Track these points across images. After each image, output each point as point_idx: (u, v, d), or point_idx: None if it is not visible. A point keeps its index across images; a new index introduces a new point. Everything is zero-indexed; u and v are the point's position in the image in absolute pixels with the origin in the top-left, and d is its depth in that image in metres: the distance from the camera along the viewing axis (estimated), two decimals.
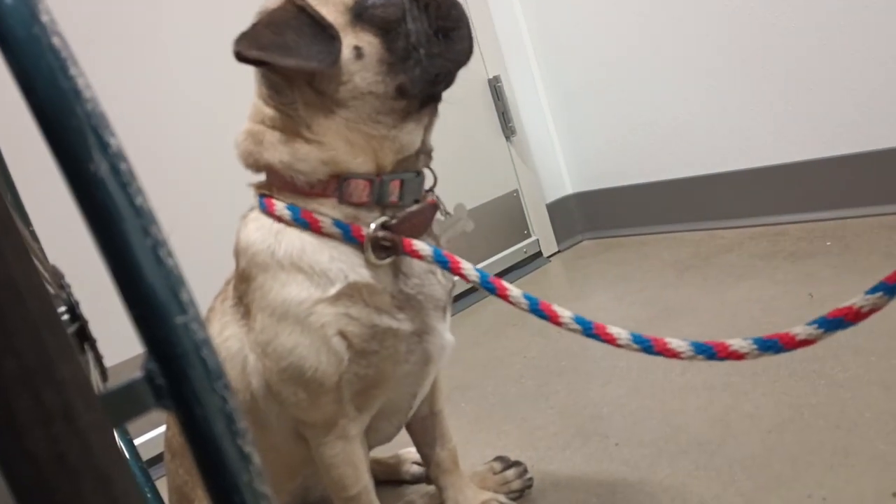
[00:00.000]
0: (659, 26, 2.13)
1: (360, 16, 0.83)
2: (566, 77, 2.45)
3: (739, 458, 1.03)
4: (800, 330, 0.65)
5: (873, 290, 0.61)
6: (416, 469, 1.27)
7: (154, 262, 0.33)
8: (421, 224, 0.90)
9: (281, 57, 0.80)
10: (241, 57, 0.79)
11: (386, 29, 0.83)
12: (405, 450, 1.28)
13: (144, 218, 0.33)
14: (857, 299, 0.62)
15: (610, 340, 0.77)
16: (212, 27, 1.80)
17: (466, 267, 0.83)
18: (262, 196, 0.89)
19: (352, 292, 0.84)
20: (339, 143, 0.84)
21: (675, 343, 0.72)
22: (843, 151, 1.85)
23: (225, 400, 0.35)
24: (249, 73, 0.89)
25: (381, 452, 1.23)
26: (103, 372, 0.62)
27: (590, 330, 0.78)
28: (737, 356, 0.70)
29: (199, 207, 1.76)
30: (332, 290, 0.83)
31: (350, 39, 0.82)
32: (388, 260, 0.86)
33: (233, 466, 0.35)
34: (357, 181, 0.85)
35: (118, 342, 1.05)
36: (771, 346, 0.68)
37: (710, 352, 0.71)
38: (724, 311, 1.55)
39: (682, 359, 0.72)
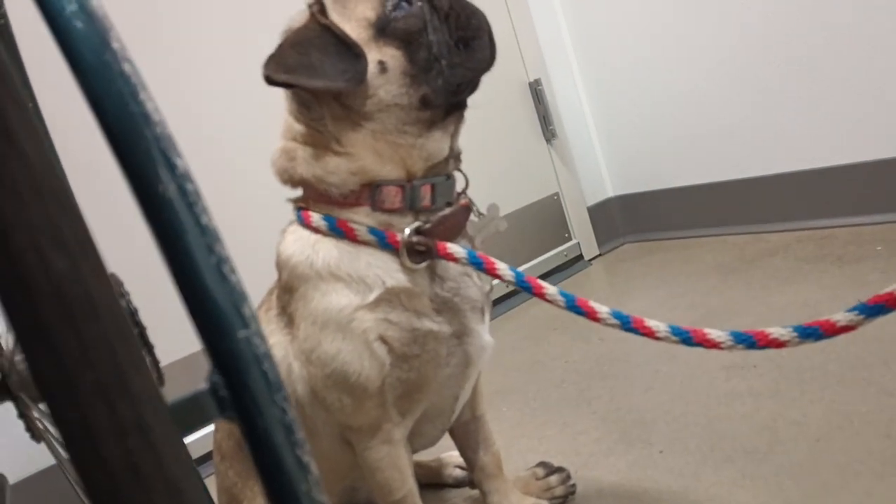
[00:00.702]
0: (701, 28, 2.11)
1: (383, 30, 0.85)
2: (607, 79, 2.43)
3: (787, 466, 1.01)
4: (840, 317, 0.65)
5: None
6: (458, 473, 1.27)
7: (218, 279, 0.34)
8: (454, 226, 0.91)
9: (308, 79, 0.82)
10: (270, 81, 0.82)
11: (408, 41, 0.85)
12: (448, 453, 1.29)
13: (209, 236, 0.34)
14: None
15: (648, 334, 0.78)
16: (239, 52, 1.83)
17: (501, 267, 0.84)
18: (299, 209, 0.92)
19: (390, 297, 0.86)
20: (367, 154, 0.86)
21: (715, 334, 0.72)
22: (893, 154, 1.81)
23: (284, 411, 0.36)
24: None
25: (423, 456, 1.24)
26: (160, 377, 0.64)
27: (628, 324, 0.78)
28: (777, 344, 0.69)
29: (237, 221, 1.80)
30: (371, 296, 0.85)
31: (374, 55, 0.84)
32: (424, 264, 0.87)
33: (292, 475, 0.36)
34: (389, 188, 0.87)
35: (168, 343, 1.08)
36: (811, 333, 0.67)
37: (750, 340, 0.70)
38: (770, 316, 1.53)
39: (721, 349, 0.72)
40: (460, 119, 0.93)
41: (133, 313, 0.66)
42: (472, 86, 0.90)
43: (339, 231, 0.87)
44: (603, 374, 1.52)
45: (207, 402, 0.35)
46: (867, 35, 1.77)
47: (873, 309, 0.62)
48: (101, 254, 0.31)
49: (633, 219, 2.56)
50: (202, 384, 0.36)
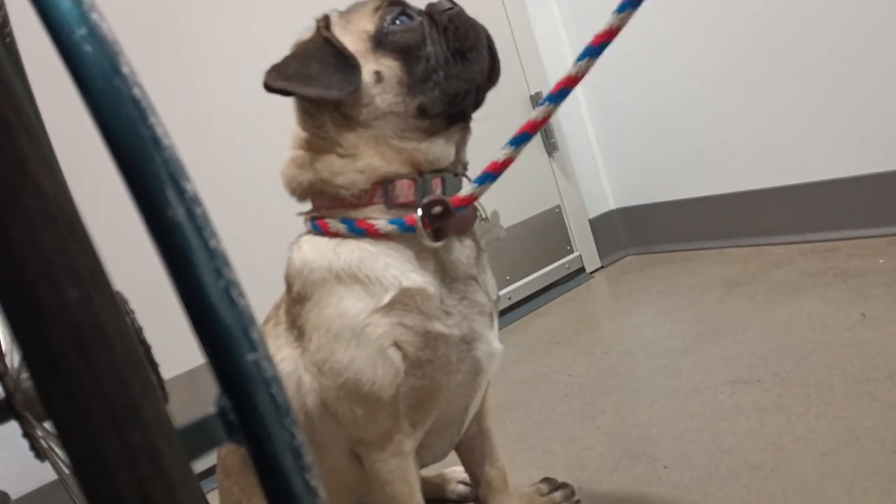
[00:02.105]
0: (703, 40, 2.12)
1: (381, 42, 0.89)
2: (608, 92, 2.44)
3: (793, 482, 1.01)
4: None
5: None
6: (461, 489, 1.27)
7: (227, 303, 0.34)
8: (464, 220, 0.93)
9: (303, 86, 0.86)
10: (268, 87, 0.86)
11: (406, 53, 0.88)
12: (451, 469, 1.29)
13: (218, 260, 0.34)
14: None
15: None
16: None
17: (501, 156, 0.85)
18: (313, 219, 0.92)
19: (405, 299, 0.86)
20: (370, 153, 0.88)
21: None
22: (895, 167, 1.81)
23: (293, 435, 0.36)
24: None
25: (426, 471, 1.23)
26: (165, 395, 0.64)
27: None
28: None
29: (250, 231, 1.80)
30: (386, 298, 0.86)
31: (371, 65, 0.88)
32: (441, 243, 0.88)
33: (301, 500, 0.36)
34: (402, 181, 0.89)
35: (170, 357, 1.08)
36: None
37: None
38: (774, 330, 1.53)
39: None
40: (465, 130, 0.95)
41: (138, 332, 0.66)
42: (472, 98, 0.92)
43: (359, 230, 0.88)
44: (607, 389, 1.52)
45: (216, 427, 0.35)
46: (868, 48, 1.78)
47: None
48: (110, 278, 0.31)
49: (635, 231, 2.56)
50: (207, 403, 0.36)
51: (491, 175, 0.85)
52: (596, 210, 2.56)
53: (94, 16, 0.34)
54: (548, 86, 2.38)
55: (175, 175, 0.34)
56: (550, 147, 2.42)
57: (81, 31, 0.33)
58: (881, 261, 1.71)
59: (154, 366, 0.63)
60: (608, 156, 2.56)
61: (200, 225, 0.34)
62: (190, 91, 1.79)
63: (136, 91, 0.34)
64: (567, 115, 2.47)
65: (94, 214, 1.16)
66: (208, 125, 1.80)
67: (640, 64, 2.29)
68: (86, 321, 0.26)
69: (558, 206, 2.45)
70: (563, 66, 2.58)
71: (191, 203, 0.34)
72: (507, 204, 2.27)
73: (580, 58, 0.74)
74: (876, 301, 1.49)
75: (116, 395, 0.27)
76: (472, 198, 0.87)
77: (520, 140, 0.83)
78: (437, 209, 0.87)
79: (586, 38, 0.75)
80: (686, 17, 2.12)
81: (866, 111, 1.83)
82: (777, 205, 2.10)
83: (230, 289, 0.34)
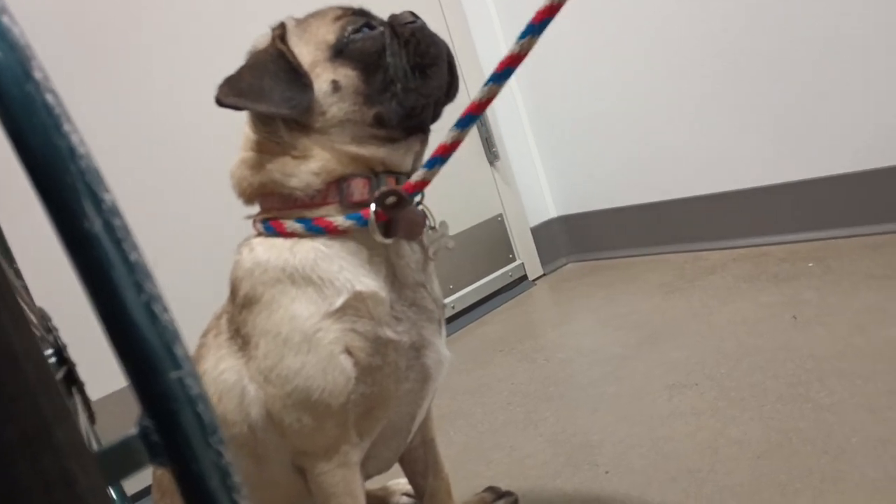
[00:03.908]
0: (639, 52, 2.16)
1: (340, 52, 0.88)
2: (548, 102, 2.47)
3: (729, 485, 1.03)
4: None
5: None
6: (405, 500, 1.26)
7: (148, 318, 0.33)
8: (414, 223, 0.92)
9: (254, 103, 0.86)
10: (219, 103, 0.85)
11: (365, 63, 0.88)
12: (394, 481, 1.27)
13: (139, 273, 0.33)
14: None
15: None
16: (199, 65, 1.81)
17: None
18: (265, 220, 0.91)
19: (357, 304, 0.85)
20: (325, 155, 0.88)
21: None
22: (826, 173, 1.88)
23: (220, 454, 0.34)
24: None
25: (369, 484, 1.22)
26: (91, 416, 0.61)
27: None
28: None
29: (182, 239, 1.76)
30: (339, 301, 0.85)
31: (328, 74, 0.87)
32: (391, 241, 0.88)
33: None
34: (356, 180, 0.89)
35: (102, 375, 1.04)
36: None
37: None
38: (710, 335, 1.56)
39: None
40: (424, 142, 0.95)
41: (61, 350, 0.63)
42: (428, 112, 0.92)
43: (317, 229, 0.87)
44: (548, 396, 1.53)
45: (138, 448, 0.34)
46: (798, 59, 1.84)
47: None
48: (27, 293, 0.29)
49: (575, 239, 2.59)
50: (133, 428, 0.34)
51: (440, 158, 0.84)
52: (537, 218, 2.58)
53: (5, 19, 0.32)
54: None
55: (92, 185, 0.32)
56: (492, 156, 2.44)
57: None
58: (810, 265, 1.76)
59: (79, 384, 0.61)
60: (549, 164, 2.59)
61: (120, 237, 0.32)
62: (158, 92, 1.74)
63: (49, 97, 0.32)
64: (508, 125, 2.49)
65: (20, 227, 1.12)
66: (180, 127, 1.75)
67: (579, 74, 2.32)
68: None
69: (500, 215, 2.47)
70: None
71: (109, 214, 0.32)
72: (450, 213, 2.26)
73: (522, 35, 0.74)
74: (806, 304, 1.54)
75: (26, 419, 0.26)
76: (424, 182, 0.86)
77: (465, 122, 0.82)
78: (392, 199, 0.86)
79: None
80: (622, 29, 2.16)
81: (796, 120, 1.90)
82: (711, 212, 2.15)
83: (152, 303, 0.33)
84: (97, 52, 1.70)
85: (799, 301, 1.57)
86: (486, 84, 0.79)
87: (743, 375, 1.32)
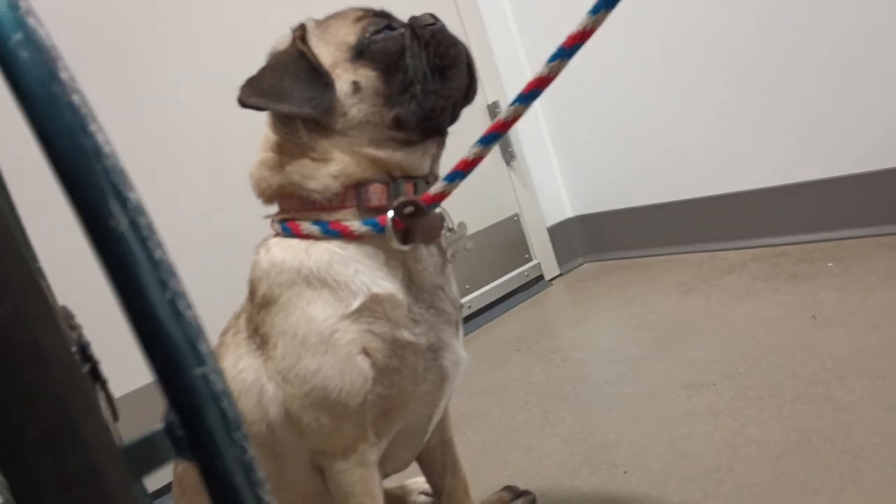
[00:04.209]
0: (657, 51, 2.15)
1: (361, 53, 0.88)
2: (565, 102, 2.46)
3: (748, 484, 1.02)
4: None
5: None
6: (423, 500, 1.26)
7: (173, 315, 0.33)
8: (432, 227, 0.93)
9: (275, 103, 0.87)
10: (242, 103, 0.85)
11: (385, 64, 0.88)
12: (412, 480, 1.28)
13: (163, 271, 0.33)
14: None
15: None
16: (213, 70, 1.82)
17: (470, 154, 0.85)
18: (283, 222, 0.91)
19: (373, 306, 0.86)
20: (345, 159, 0.88)
21: None
22: (843, 172, 1.86)
23: (244, 450, 0.35)
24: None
25: (387, 483, 1.22)
26: (114, 412, 0.62)
27: None
28: None
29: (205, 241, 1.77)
30: (355, 304, 0.85)
31: (349, 75, 0.88)
32: (408, 247, 0.88)
33: None
34: (375, 185, 0.89)
35: (124, 373, 1.05)
36: None
37: None
38: (728, 334, 1.55)
39: None
40: (441, 144, 0.95)
41: (85, 347, 0.64)
42: (447, 114, 0.92)
43: (333, 232, 0.87)
44: (565, 396, 1.52)
45: (163, 443, 0.34)
46: (815, 57, 1.83)
47: None
48: (50, 292, 0.30)
49: (592, 239, 2.59)
50: (158, 422, 0.35)
51: (460, 173, 0.85)
52: (553, 218, 2.58)
53: (31, 21, 0.33)
54: (505, 95, 2.39)
55: (117, 184, 0.33)
56: (508, 156, 2.44)
57: (17, 37, 0.32)
58: (830, 264, 1.75)
59: (102, 382, 0.61)
60: (565, 164, 2.59)
61: (145, 235, 0.33)
62: (171, 92, 1.75)
63: (74, 97, 0.32)
64: (525, 125, 2.49)
65: (43, 226, 1.13)
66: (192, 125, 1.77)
67: (596, 74, 2.32)
68: (18, 337, 0.25)
69: (517, 215, 2.47)
70: (519, 76, 2.61)
71: (134, 213, 0.33)
72: (466, 213, 2.26)
73: (552, 59, 0.74)
74: (825, 304, 1.53)
75: (52, 416, 0.26)
76: (443, 195, 0.86)
77: (489, 139, 0.82)
78: (409, 209, 0.86)
79: (542, 48, 0.75)
80: (638, 29, 2.16)
81: (814, 119, 1.88)
82: (728, 211, 2.14)
83: (176, 300, 0.33)
84: (112, 54, 1.71)
85: (817, 301, 1.56)
86: (512, 104, 0.78)
87: (761, 375, 1.31)
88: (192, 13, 1.84)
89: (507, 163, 2.44)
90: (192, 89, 1.80)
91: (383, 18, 0.91)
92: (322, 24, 0.92)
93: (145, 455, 0.34)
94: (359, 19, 0.90)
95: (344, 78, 0.87)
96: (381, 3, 0.94)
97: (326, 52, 0.89)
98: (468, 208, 2.29)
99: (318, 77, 0.87)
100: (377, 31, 0.89)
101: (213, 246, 1.76)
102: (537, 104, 0.79)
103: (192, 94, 1.80)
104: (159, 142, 1.76)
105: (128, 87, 1.73)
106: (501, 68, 2.41)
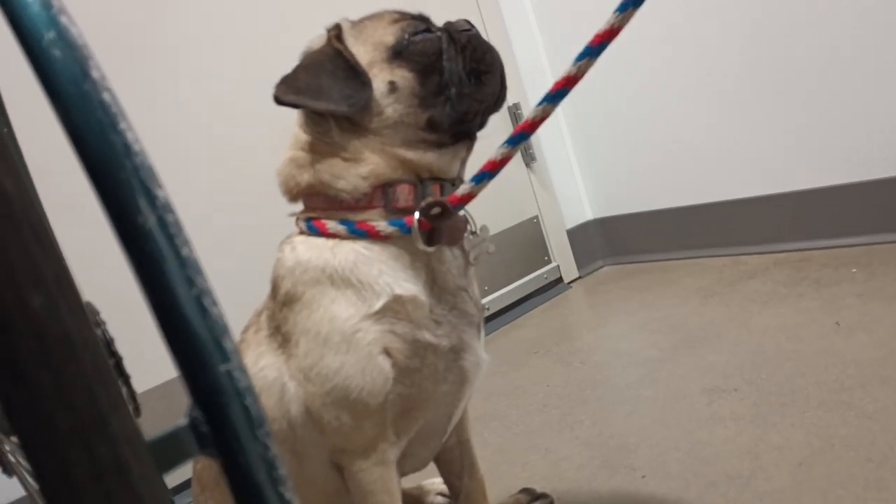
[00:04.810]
0: (679, 54, 2.14)
1: (399, 53, 0.89)
2: (585, 104, 2.45)
3: (769, 491, 1.01)
4: None
5: None
6: (440, 500, 1.26)
7: (199, 312, 0.33)
8: (457, 229, 0.93)
9: (313, 101, 0.87)
10: (278, 101, 0.86)
11: (422, 65, 0.89)
12: (429, 480, 1.28)
13: (190, 268, 0.34)
14: None
15: None
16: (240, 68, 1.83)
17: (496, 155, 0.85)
18: (308, 220, 0.92)
19: (396, 307, 0.86)
20: (375, 159, 0.89)
21: None
22: (868, 177, 1.84)
23: (267, 447, 0.35)
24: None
25: (404, 483, 1.22)
26: (136, 408, 0.62)
27: None
28: None
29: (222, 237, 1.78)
30: (378, 304, 0.85)
31: (385, 75, 0.88)
32: (433, 249, 0.88)
33: None
34: (402, 185, 0.89)
35: (145, 369, 1.06)
36: None
37: None
38: (750, 340, 1.54)
39: None
40: (470, 148, 0.96)
41: (109, 343, 0.65)
42: (478, 119, 0.93)
43: (360, 232, 0.88)
44: (584, 399, 1.52)
45: (187, 439, 0.35)
46: (841, 61, 1.81)
47: None
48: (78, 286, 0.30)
49: (612, 242, 2.57)
50: (181, 417, 0.35)
51: (488, 174, 0.85)
52: (573, 220, 2.57)
53: (64, 19, 0.33)
54: (526, 97, 2.39)
55: (146, 182, 0.33)
56: (528, 158, 2.43)
57: (50, 35, 0.33)
58: (854, 270, 1.73)
59: (125, 377, 0.62)
60: (585, 167, 2.58)
61: (172, 233, 0.33)
62: (185, 93, 1.77)
63: (105, 96, 0.33)
64: (545, 127, 2.45)
65: (66, 223, 1.15)
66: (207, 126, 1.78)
67: (616, 76, 2.31)
68: (51, 329, 0.25)
69: (536, 217, 2.46)
70: (540, 78, 2.60)
71: (162, 210, 0.33)
72: (485, 215, 2.26)
73: (579, 58, 0.74)
74: (849, 310, 1.51)
75: (83, 408, 0.27)
76: (470, 196, 0.86)
77: (517, 139, 0.83)
78: (436, 210, 0.86)
79: (563, 50, 0.75)
80: (661, 31, 2.14)
81: (840, 122, 1.86)
82: (751, 215, 2.12)
83: (202, 298, 0.34)
84: (133, 53, 1.73)
85: (841, 307, 1.54)
86: (539, 104, 0.79)
87: (784, 381, 1.30)
88: (191, 14, 1.85)
89: (527, 165, 2.44)
90: (214, 88, 1.82)
91: (422, 21, 0.92)
92: (358, 24, 0.93)
93: (169, 450, 0.35)
94: (396, 21, 0.91)
95: (380, 77, 0.88)
96: (402, 4, 0.95)
97: (363, 51, 0.89)
98: (488, 210, 2.28)
99: (356, 75, 0.87)
100: (415, 33, 0.89)
101: (232, 244, 1.77)
102: (558, 107, 0.79)
103: (214, 93, 1.82)
104: (182, 141, 1.77)
105: (145, 87, 1.74)
106: (523, 70, 2.40)
